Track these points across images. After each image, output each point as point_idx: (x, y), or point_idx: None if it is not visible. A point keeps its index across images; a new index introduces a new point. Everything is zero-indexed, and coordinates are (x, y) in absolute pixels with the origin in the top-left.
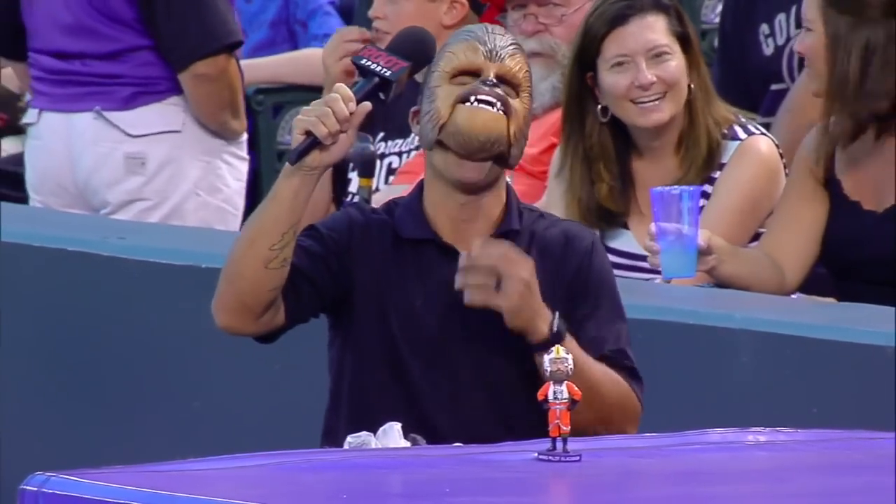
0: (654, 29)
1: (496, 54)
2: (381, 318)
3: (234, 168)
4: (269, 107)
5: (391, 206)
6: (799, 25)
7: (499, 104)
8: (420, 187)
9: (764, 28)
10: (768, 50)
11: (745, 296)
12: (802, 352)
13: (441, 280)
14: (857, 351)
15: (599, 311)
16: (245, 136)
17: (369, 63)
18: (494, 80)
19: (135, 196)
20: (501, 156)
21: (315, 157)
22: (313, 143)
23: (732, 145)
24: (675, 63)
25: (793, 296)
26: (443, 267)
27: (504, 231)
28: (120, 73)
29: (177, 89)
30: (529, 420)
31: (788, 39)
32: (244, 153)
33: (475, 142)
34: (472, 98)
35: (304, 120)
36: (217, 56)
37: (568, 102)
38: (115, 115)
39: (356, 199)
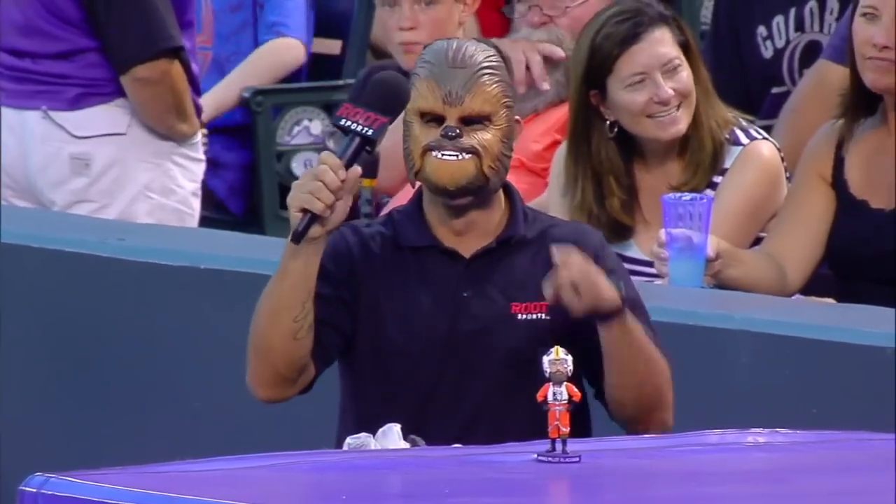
0: (664, 42)
1: (455, 96)
2: (384, 327)
3: (187, 170)
4: (268, 107)
5: (391, 214)
6: (798, 28)
7: (462, 154)
8: (420, 194)
9: (761, 30)
10: (767, 53)
11: (745, 296)
12: (802, 352)
13: (445, 282)
14: (856, 352)
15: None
16: (198, 138)
17: (349, 123)
18: (457, 129)
19: (80, 197)
20: (481, 188)
21: (316, 229)
22: (312, 219)
23: (735, 150)
24: (686, 73)
25: (792, 297)
26: (446, 270)
27: (507, 237)
28: (67, 74)
29: (123, 91)
30: (529, 424)
31: (788, 42)
32: (198, 154)
33: (447, 190)
34: (437, 153)
35: (298, 198)
36: (157, 60)
37: (575, 123)
38: (60, 116)
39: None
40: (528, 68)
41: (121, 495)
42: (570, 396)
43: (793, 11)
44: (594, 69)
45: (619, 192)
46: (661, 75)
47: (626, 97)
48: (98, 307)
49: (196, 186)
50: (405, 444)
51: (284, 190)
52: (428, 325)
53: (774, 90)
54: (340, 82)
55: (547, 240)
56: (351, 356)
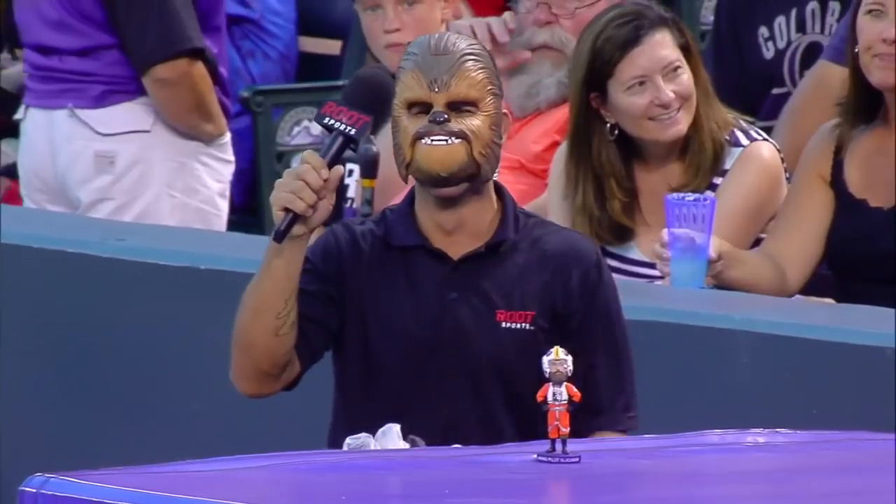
0: (664, 45)
1: (440, 82)
2: (369, 325)
3: (213, 170)
4: (269, 107)
5: (385, 213)
6: (799, 29)
7: (451, 139)
8: (412, 194)
9: (763, 31)
10: (768, 53)
11: (745, 297)
12: (802, 353)
13: (431, 284)
14: (856, 352)
15: (603, 350)
16: (227, 138)
17: (332, 121)
18: (445, 114)
19: (104, 195)
20: (472, 175)
21: (299, 228)
22: (294, 218)
23: (735, 151)
24: (687, 75)
25: (792, 297)
26: (433, 271)
27: (496, 242)
28: (91, 71)
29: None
30: (518, 424)
31: (789, 43)
32: (226, 155)
33: (439, 177)
34: (427, 139)
35: (280, 197)
36: (176, 60)
37: (575, 126)
38: (86, 113)
39: (354, 203)
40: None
41: (121, 495)
42: (570, 396)
43: (794, 12)
44: (595, 72)
45: (619, 194)
46: (661, 78)
47: (627, 100)
48: (98, 307)
49: (223, 187)
50: (405, 445)
51: None
52: (412, 327)
53: (775, 91)
54: (340, 82)
55: (538, 247)
56: (340, 354)
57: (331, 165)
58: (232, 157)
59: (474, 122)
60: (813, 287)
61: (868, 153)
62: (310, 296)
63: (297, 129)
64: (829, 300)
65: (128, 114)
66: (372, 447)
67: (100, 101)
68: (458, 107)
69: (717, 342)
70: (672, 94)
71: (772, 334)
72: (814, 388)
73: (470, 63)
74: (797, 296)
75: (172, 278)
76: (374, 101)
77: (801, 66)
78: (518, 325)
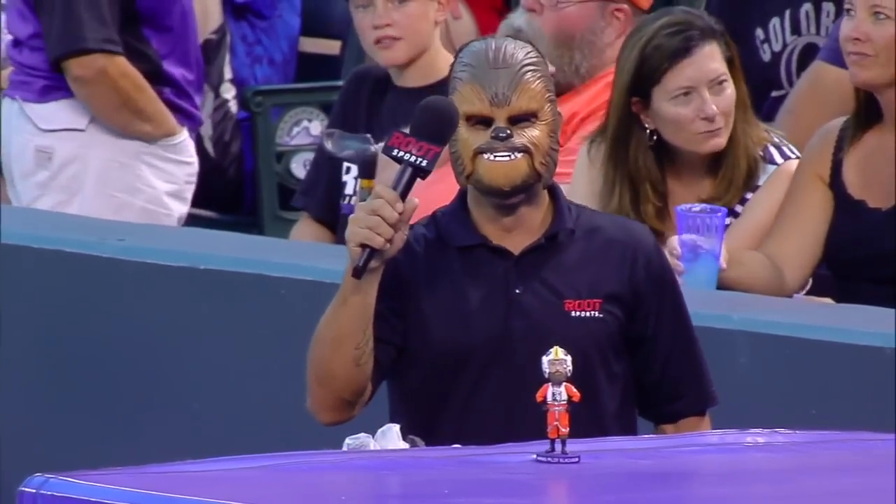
0: (713, 58)
1: (502, 97)
2: (433, 327)
3: (161, 170)
4: (268, 108)
5: (435, 215)
6: (794, 31)
7: (514, 154)
8: (463, 195)
9: (759, 33)
10: (765, 56)
11: (743, 297)
12: (801, 353)
13: (495, 280)
14: (855, 352)
15: (677, 333)
16: (180, 139)
17: (402, 153)
18: (507, 129)
19: (42, 190)
20: (533, 185)
21: (375, 261)
22: (371, 254)
23: (769, 169)
24: (731, 90)
25: (791, 296)
26: (496, 267)
27: (553, 233)
28: (36, 66)
29: None
30: (585, 414)
31: (785, 45)
32: (179, 156)
33: (502, 191)
34: (490, 155)
35: (357, 233)
36: (86, 57)
37: (616, 129)
38: (30, 107)
39: (353, 200)
40: None
41: (121, 495)
42: (570, 397)
43: (787, 13)
44: (642, 78)
45: (654, 199)
46: (707, 91)
47: (672, 109)
48: (98, 307)
49: (174, 188)
50: (404, 445)
51: (283, 190)
52: (481, 323)
53: (774, 94)
54: (340, 82)
55: (596, 235)
56: (401, 360)
57: (403, 197)
58: (189, 159)
59: (535, 133)
60: (813, 287)
61: (867, 154)
62: (380, 317)
63: (296, 129)
64: (829, 300)
65: (65, 111)
66: (371, 447)
67: (42, 96)
68: (519, 119)
69: (716, 342)
70: (716, 108)
71: (770, 334)
72: (813, 388)
73: (529, 74)
74: (797, 295)
75: (172, 278)
76: (444, 128)
77: (798, 67)
78: (588, 314)
